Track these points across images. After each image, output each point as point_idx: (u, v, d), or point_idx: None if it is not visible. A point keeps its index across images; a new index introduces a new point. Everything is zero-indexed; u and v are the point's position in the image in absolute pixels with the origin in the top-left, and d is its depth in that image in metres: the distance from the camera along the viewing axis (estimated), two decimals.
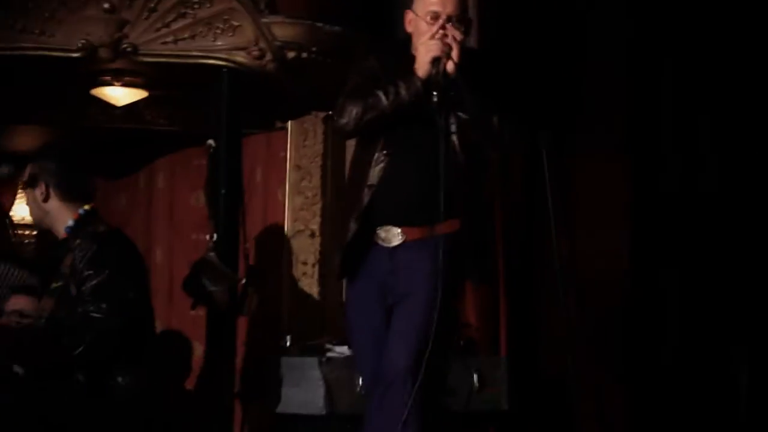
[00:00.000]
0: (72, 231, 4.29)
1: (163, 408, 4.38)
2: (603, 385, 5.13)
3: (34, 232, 6.79)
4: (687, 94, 5.33)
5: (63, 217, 4.32)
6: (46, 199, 4.33)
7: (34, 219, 4.54)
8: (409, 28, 3.69)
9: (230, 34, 4.82)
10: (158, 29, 4.82)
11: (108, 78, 5.20)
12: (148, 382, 4.22)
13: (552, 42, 5.29)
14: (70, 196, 4.32)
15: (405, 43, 3.70)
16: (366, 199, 3.59)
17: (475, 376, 4.77)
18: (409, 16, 3.67)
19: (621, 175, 5.28)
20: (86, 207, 4.35)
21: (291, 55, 4.89)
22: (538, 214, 5.11)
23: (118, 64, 4.99)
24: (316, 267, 5.48)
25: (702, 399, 5.20)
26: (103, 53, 4.83)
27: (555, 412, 4.97)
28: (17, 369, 4.18)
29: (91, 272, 4.14)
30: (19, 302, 4.47)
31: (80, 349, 4.05)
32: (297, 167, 5.55)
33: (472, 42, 4.72)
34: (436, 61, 3.50)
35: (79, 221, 4.31)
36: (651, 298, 5.31)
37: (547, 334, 5.25)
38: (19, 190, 6.61)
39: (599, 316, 5.23)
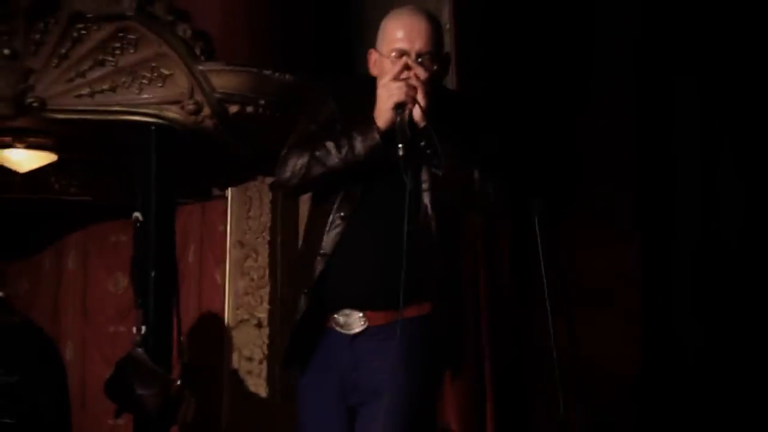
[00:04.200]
0: None
1: None
2: None
3: None
4: (707, 158, 5.14)
5: None
6: None
7: None
8: (374, 71, 3.42)
9: (159, 84, 4.64)
10: (71, 80, 4.63)
11: (8, 139, 4.99)
12: None
13: (549, 84, 5.07)
14: None
15: (373, 82, 3.41)
16: (318, 269, 3.35)
17: None
18: (373, 56, 3.41)
19: (629, 248, 5.04)
20: None
21: (233, 109, 4.70)
22: (530, 293, 4.86)
23: (21, 122, 4.78)
24: (264, 363, 5.23)
25: None
26: (4, 109, 4.62)
27: None
28: None
29: None
30: None
31: None
32: (239, 243, 5.32)
33: (451, 82, 4.55)
34: (398, 108, 3.26)
35: None
36: (669, 396, 5.02)
37: None
38: None
39: (606, 421, 4.96)
